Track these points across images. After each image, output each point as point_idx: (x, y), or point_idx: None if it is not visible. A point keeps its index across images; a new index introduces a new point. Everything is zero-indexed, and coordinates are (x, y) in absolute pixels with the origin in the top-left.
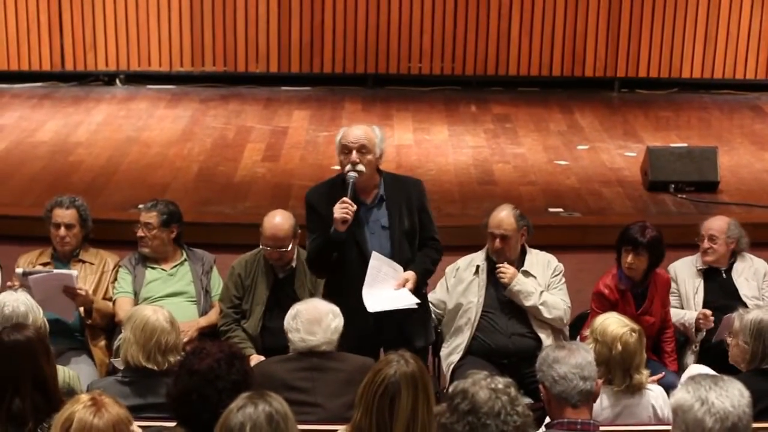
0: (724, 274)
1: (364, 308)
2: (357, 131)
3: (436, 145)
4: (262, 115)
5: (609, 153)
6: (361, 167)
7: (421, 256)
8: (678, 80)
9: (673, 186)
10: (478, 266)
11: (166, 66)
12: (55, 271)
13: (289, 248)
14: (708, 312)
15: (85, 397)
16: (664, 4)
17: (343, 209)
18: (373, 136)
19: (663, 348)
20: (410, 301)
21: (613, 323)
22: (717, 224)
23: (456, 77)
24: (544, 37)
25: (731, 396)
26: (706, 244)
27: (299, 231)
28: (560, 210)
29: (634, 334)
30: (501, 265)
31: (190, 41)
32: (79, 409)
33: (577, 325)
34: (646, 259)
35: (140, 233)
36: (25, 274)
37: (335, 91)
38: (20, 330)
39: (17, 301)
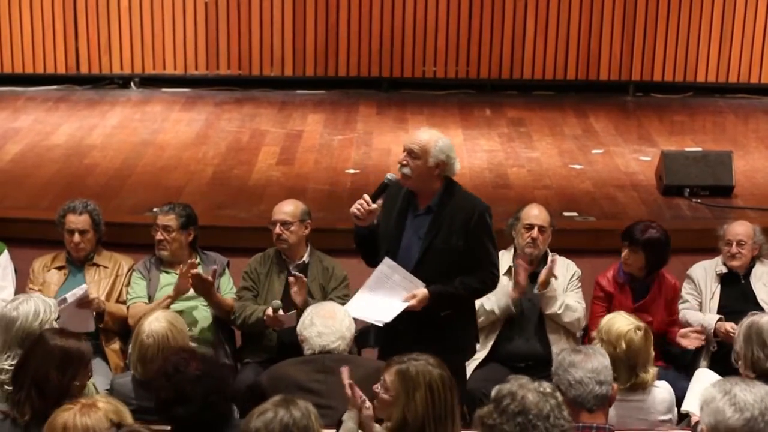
0: (742, 279)
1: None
2: (418, 135)
3: None
4: (277, 119)
5: (624, 157)
6: (406, 170)
7: (455, 281)
8: (693, 84)
9: (687, 190)
10: (510, 267)
11: (180, 69)
12: (69, 295)
13: (292, 229)
14: (730, 327)
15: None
16: (679, 8)
17: (356, 204)
18: (430, 143)
19: None
20: (382, 317)
21: (619, 321)
22: (744, 229)
23: (470, 81)
24: (558, 40)
25: (755, 392)
26: (734, 249)
27: (309, 222)
28: (575, 214)
29: (639, 332)
30: (553, 254)
31: (205, 44)
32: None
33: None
34: (642, 257)
35: (159, 236)
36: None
37: (350, 95)
38: (64, 336)
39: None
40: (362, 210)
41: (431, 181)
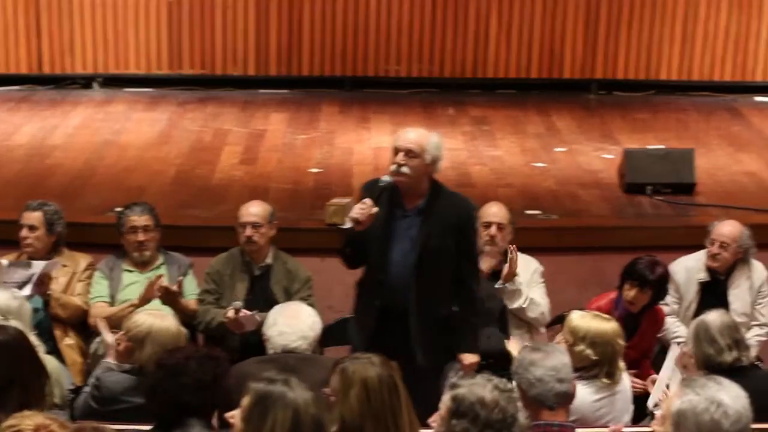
0: (720, 287)
1: (370, 306)
2: (410, 134)
3: None
4: (240, 118)
5: (586, 155)
6: (405, 169)
7: (465, 318)
8: (655, 82)
9: (650, 188)
10: None
11: (143, 69)
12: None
13: (261, 231)
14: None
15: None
16: (642, 6)
17: (359, 209)
18: (426, 142)
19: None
20: None
21: (597, 321)
22: (729, 230)
23: (433, 80)
24: (521, 39)
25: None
26: (715, 249)
27: (275, 222)
28: (537, 212)
29: (613, 321)
30: (512, 246)
31: (168, 44)
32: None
33: (553, 326)
34: (649, 296)
35: (141, 237)
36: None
37: (313, 94)
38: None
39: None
40: (365, 214)
41: (424, 179)
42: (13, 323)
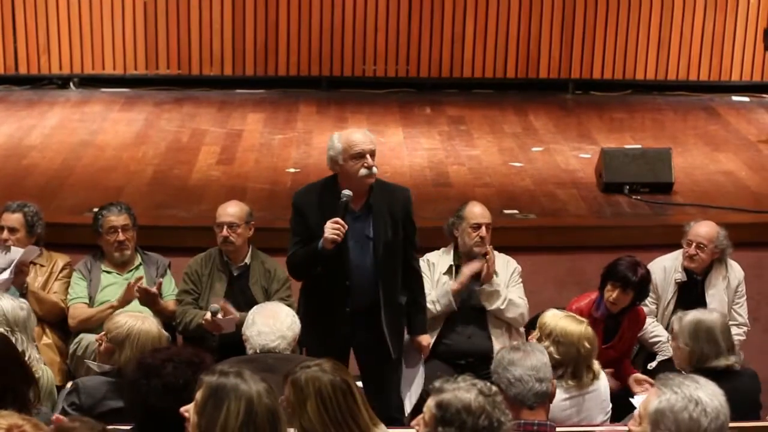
0: (698, 287)
1: (339, 313)
2: (367, 135)
3: (391, 148)
4: (217, 118)
5: (563, 155)
6: (375, 170)
7: (414, 301)
8: (632, 82)
9: (627, 187)
10: (451, 266)
11: (120, 69)
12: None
13: (239, 231)
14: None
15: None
16: (618, 7)
17: (334, 230)
18: (375, 140)
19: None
20: None
21: (567, 321)
22: (706, 231)
23: (410, 79)
24: (498, 39)
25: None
26: (692, 250)
27: (253, 223)
28: (515, 212)
29: (589, 327)
30: (488, 252)
31: (144, 44)
32: None
33: (532, 326)
34: (631, 297)
35: (121, 237)
36: None
37: (289, 94)
38: None
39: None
40: (341, 232)
41: None
42: (18, 335)
